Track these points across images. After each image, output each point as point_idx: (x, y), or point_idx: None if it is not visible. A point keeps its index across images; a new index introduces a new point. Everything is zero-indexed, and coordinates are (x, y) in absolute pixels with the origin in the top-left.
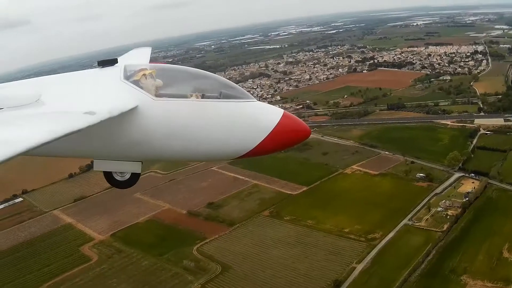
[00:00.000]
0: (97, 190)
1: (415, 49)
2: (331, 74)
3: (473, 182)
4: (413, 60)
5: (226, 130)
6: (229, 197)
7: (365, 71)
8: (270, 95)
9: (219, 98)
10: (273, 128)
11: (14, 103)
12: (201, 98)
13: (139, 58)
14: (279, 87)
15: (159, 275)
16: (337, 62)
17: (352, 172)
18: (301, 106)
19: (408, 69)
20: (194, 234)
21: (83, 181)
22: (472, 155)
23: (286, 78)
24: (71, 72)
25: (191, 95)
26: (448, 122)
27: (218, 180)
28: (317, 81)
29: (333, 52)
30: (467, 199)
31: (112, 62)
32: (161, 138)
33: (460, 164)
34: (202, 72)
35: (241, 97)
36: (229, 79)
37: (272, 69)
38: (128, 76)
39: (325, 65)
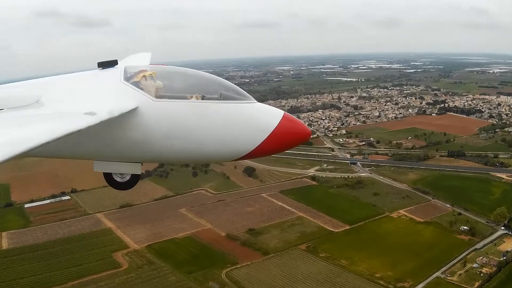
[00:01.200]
0: (145, 200)
1: (487, 97)
2: (400, 113)
3: None
4: (483, 108)
5: (226, 131)
6: (271, 226)
7: (434, 114)
8: (336, 128)
9: (219, 99)
10: (273, 130)
11: (14, 104)
12: (201, 99)
13: (139, 62)
14: (347, 120)
15: None
16: (408, 102)
17: (398, 216)
18: (364, 143)
19: (476, 116)
20: (227, 257)
21: (133, 189)
22: None
23: (355, 113)
24: (71, 73)
25: (191, 96)
26: (504, 176)
27: (265, 207)
28: (385, 119)
29: (407, 91)
30: (504, 258)
31: (112, 63)
32: (161, 139)
33: (506, 221)
34: (202, 73)
35: (241, 98)
36: (300, 106)
37: (344, 101)
38: (129, 78)
39: (397, 103)
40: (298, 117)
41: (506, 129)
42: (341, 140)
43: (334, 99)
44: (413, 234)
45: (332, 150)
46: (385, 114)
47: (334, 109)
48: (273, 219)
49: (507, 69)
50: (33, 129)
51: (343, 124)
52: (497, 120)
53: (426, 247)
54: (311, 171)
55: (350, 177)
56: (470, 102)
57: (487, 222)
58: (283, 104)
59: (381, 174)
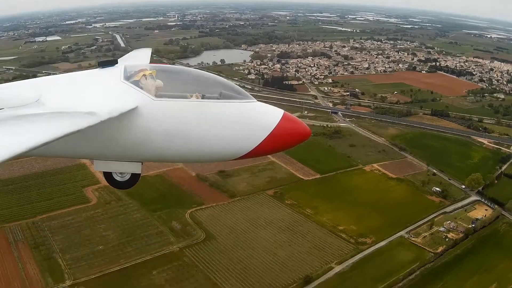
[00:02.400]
0: None
1: (480, 60)
2: (390, 67)
3: (486, 210)
4: (474, 71)
5: (226, 131)
6: (242, 169)
7: (424, 72)
8: (322, 76)
9: (219, 99)
10: (273, 129)
11: (14, 103)
12: (201, 98)
13: (140, 59)
14: (335, 70)
15: (145, 230)
16: (400, 57)
17: (371, 170)
18: (348, 93)
19: (466, 78)
20: (193, 198)
21: None
22: (496, 181)
23: (345, 63)
24: (71, 73)
25: (191, 96)
26: (485, 142)
27: None
28: (374, 72)
29: (400, 46)
30: (473, 225)
31: (112, 62)
32: (161, 138)
33: (481, 188)
34: (202, 72)
35: (241, 97)
36: (291, 52)
37: (336, 51)
38: (128, 77)
39: (388, 57)
40: (287, 62)
41: (495, 94)
42: (326, 88)
43: (326, 47)
44: (383, 190)
45: (315, 98)
46: (375, 67)
47: (324, 58)
48: (246, 162)
49: (505, 36)
50: (33, 129)
51: (330, 73)
52: (487, 85)
53: (395, 204)
54: None
55: (328, 126)
56: (462, 64)
57: (462, 187)
58: (274, 48)
59: (361, 126)
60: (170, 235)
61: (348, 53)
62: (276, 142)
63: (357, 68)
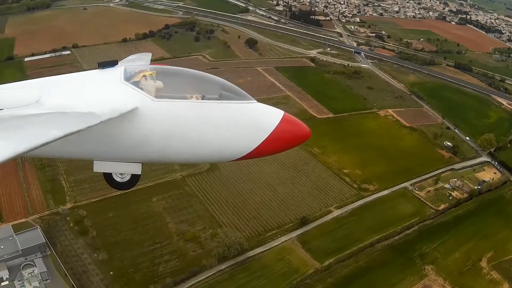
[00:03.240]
0: None
1: (511, 20)
2: (420, 14)
3: (495, 173)
4: (504, 29)
5: (226, 132)
6: (256, 99)
7: (453, 23)
8: (351, 15)
9: (219, 100)
10: (273, 130)
11: (14, 104)
12: (201, 99)
13: (139, 62)
14: (364, 9)
15: None
16: (431, 5)
17: (385, 115)
18: (374, 35)
19: (495, 36)
20: None
21: (133, 47)
22: (509, 145)
23: (375, 4)
24: (71, 73)
25: (191, 96)
26: (504, 102)
27: (256, 81)
28: (403, 17)
29: None
30: (479, 187)
31: (112, 63)
32: (161, 139)
33: (493, 149)
34: (203, 73)
35: (241, 98)
36: None
37: None
38: (128, 78)
39: (419, 3)
40: None
41: None
42: (352, 27)
43: None
44: (394, 137)
45: (340, 36)
46: (405, 11)
47: None
48: (260, 94)
49: None
50: (33, 129)
51: (359, 12)
52: None
53: (404, 153)
54: (313, 53)
55: (349, 65)
56: (493, 21)
57: (476, 146)
58: None
59: (382, 69)
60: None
61: None
62: (276, 143)
63: (387, 10)
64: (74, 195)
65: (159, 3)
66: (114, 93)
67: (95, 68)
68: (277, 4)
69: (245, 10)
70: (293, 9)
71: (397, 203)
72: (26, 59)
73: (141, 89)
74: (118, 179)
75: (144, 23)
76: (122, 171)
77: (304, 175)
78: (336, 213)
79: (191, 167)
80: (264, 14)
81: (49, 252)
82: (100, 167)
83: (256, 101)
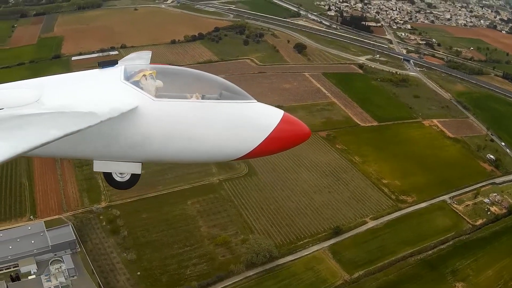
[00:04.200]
0: (188, 62)
1: None
2: (471, 22)
3: None
4: None
5: (226, 131)
6: (301, 106)
7: (504, 32)
8: (402, 21)
9: (219, 99)
10: (273, 130)
11: (14, 104)
12: (201, 99)
13: (140, 61)
14: (416, 16)
15: None
16: (483, 13)
17: (430, 125)
18: (424, 42)
19: None
20: None
21: (182, 49)
22: None
23: (427, 11)
24: (71, 73)
25: (191, 96)
26: None
27: (302, 86)
28: (454, 24)
29: (486, 2)
30: None
31: (112, 63)
32: (161, 138)
33: None
34: (202, 73)
35: (241, 98)
36: None
37: None
38: (128, 77)
39: (471, 11)
40: (369, 3)
41: None
42: (403, 34)
43: None
44: (437, 147)
45: (390, 42)
46: (456, 19)
47: (407, 2)
48: (305, 99)
49: None
50: (33, 129)
51: (411, 19)
52: None
53: (445, 165)
54: (361, 59)
55: (397, 73)
56: None
57: None
58: None
59: (430, 78)
60: (213, 166)
61: (432, 1)
62: (276, 143)
63: (438, 17)
64: (109, 194)
65: (211, 5)
66: (114, 92)
67: (95, 68)
68: (329, 9)
69: (297, 15)
70: (344, 14)
71: (434, 216)
72: (73, 58)
73: (141, 88)
74: (118, 179)
75: (194, 25)
76: (122, 170)
77: (343, 183)
78: (371, 224)
79: (229, 171)
80: (315, 19)
81: (79, 249)
82: (100, 166)
83: (256, 101)
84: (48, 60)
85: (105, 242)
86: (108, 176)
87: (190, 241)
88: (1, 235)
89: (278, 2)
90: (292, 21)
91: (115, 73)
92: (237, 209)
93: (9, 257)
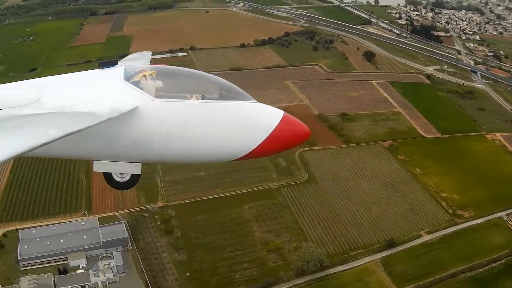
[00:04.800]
0: (257, 66)
1: None
2: None
3: None
4: None
5: (226, 132)
6: (366, 115)
7: None
8: (471, 32)
9: (219, 99)
10: (273, 130)
11: (14, 104)
12: (201, 99)
13: (140, 61)
14: (485, 27)
15: (250, 162)
16: None
17: (492, 139)
18: (492, 54)
19: None
20: None
21: (251, 53)
22: None
23: (496, 22)
24: (71, 73)
25: (191, 96)
26: None
27: (368, 94)
28: None
29: None
30: None
31: (112, 63)
32: (160, 139)
33: None
34: (203, 73)
35: (241, 98)
36: (446, 2)
37: (490, 8)
38: (128, 77)
39: None
40: (440, 12)
41: None
42: (471, 45)
43: (482, 3)
44: (498, 162)
45: (459, 53)
46: None
47: (477, 13)
48: (371, 108)
49: None
50: (33, 129)
51: (480, 30)
52: None
53: (505, 181)
54: (429, 69)
55: (464, 84)
56: None
57: None
58: None
59: (496, 91)
60: (273, 172)
61: (501, 13)
62: (276, 143)
63: (507, 29)
64: (166, 194)
65: (282, 10)
66: (114, 93)
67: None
68: (400, 18)
69: (367, 22)
70: (414, 23)
71: (489, 233)
72: None
73: (141, 89)
74: (118, 179)
75: (264, 29)
76: (122, 171)
77: (401, 195)
78: (425, 238)
79: (289, 178)
80: (386, 27)
81: (131, 247)
82: (100, 167)
83: (256, 101)
84: (116, 59)
85: (158, 241)
86: (108, 176)
87: (243, 245)
88: (53, 228)
89: (350, 9)
90: (362, 29)
91: (115, 73)
92: (293, 216)
93: (59, 250)
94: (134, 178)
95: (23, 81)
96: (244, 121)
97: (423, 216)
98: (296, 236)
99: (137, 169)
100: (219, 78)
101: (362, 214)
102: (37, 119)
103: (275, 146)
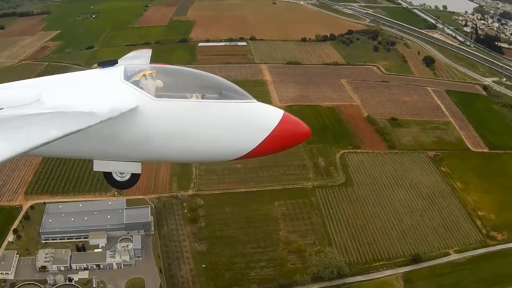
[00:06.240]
0: (314, 62)
1: None
2: None
3: None
4: None
5: (226, 131)
6: (415, 121)
7: None
8: None
9: (219, 99)
10: (273, 129)
11: (14, 103)
12: (201, 98)
13: (139, 60)
14: None
15: (290, 159)
16: None
17: None
18: None
19: None
20: (353, 138)
21: (311, 48)
22: None
23: None
24: (71, 73)
25: (191, 96)
26: None
27: (422, 101)
28: None
29: None
30: None
31: (112, 62)
32: (160, 138)
33: None
34: (203, 72)
35: (241, 97)
36: None
37: None
38: (128, 77)
39: None
40: (506, 23)
41: None
42: None
43: None
44: None
45: None
46: None
47: None
48: (422, 115)
49: None
50: (33, 129)
51: None
52: None
53: None
54: (487, 80)
55: None
56: None
57: None
58: (499, 6)
59: None
60: (311, 171)
61: None
62: (276, 143)
63: None
64: (199, 183)
65: (349, 7)
66: (114, 92)
67: (95, 68)
68: (465, 25)
69: (433, 27)
70: (479, 32)
71: None
72: (199, 44)
73: (141, 88)
74: (118, 178)
75: (328, 25)
76: (122, 170)
77: (437, 209)
78: (453, 257)
79: (326, 178)
80: (450, 33)
81: (153, 232)
82: (100, 166)
83: (256, 101)
84: (175, 43)
85: (181, 229)
86: (108, 175)
87: (264, 243)
88: (80, 205)
89: (417, 12)
90: (426, 33)
91: (115, 72)
92: (322, 219)
93: (82, 227)
94: (134, 177)
95: (23, 80)
96: (244, 121)
97: (455, 234)
98: (320, 239)
99: (137, 168)
100: (219, 77)
101: (393, 224)
102: (37, 119)
103: (275, 145)
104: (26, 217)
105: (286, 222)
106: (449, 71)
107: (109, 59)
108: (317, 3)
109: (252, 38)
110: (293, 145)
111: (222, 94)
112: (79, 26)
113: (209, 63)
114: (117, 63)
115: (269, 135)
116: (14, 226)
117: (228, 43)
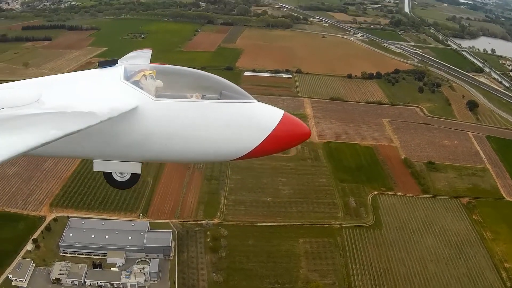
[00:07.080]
0: (357, 99)
1: None
2: None
3: None
4: None
5: (226, 131)
6: (452, 167)
7: None
8: None
9: (219, 99)
10: (273, 129)
11: (14, 103)
12: (201, 98)
13: (139, 60)
14: None
15: (321, 197)
16: None
17: None
18: None
19: None
20: (387, 180)
21: (355, 85)
22: None
23: None
24: (71, 73)
25: (191, 96)
26: None
27: (461, 146)
28: None
29: None
30: None
31: (112, 62)
32: (161, 138)
33: None
34: (203, 72)
35: (241, 98)
36: None
37: None
38: (128, 77)
39: None
40: None
41: None
42: None
43: None
44: None
45: None
46: None
47: None
48: (459, 160)
49: None
50: (33, 129)
51: None
52: None
53: None
54: None
55: None
56: None
57: None
58: None
59: None
60: (341, 210)
61: None
62: (276, 143)
63: None
64: (225, 213)
65: (398, 46)
66: (114, 92)
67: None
68: None
69: (480, 70)
70: None
71: None
72: (245, 73)
73: (141, 88)
74: (118, 179)
75: (375, 62)
76: (122, 170)
77: (463, 258)
78: None
79: (355, 219)
80: (496, 77)
81: (172, 257)
82: (100, 166)
83: (256, 101)
84: (221, 70)
85: (201, 257)
86: (108, 176)
87: (283, 279)
88: (103, 223)
89: (465, 54)
90: (473, 76)
91: (115, 73)
92: (345, 260)
93: (101, 245)
94: (134, 177)
95: (23, 80)
96: (244, 121)
97: (478, 285)
98: (341, 281)
99: (137, 168)
100: (219, 77)
101: (417, 271)
102: (37, 119)
103: (275, 145)
104: (48, 228)
105: (308, 260)
106: (491, 117)
107: (109, 59)
108: (367, 40)
109: (298, 71)
110: (293, 144)
111: (222, 94)
112: (126, 44)
113: (251, 93)
114: (117, 63)
115: (269, 135)
116: (35, 236)
117: (273, 74)
